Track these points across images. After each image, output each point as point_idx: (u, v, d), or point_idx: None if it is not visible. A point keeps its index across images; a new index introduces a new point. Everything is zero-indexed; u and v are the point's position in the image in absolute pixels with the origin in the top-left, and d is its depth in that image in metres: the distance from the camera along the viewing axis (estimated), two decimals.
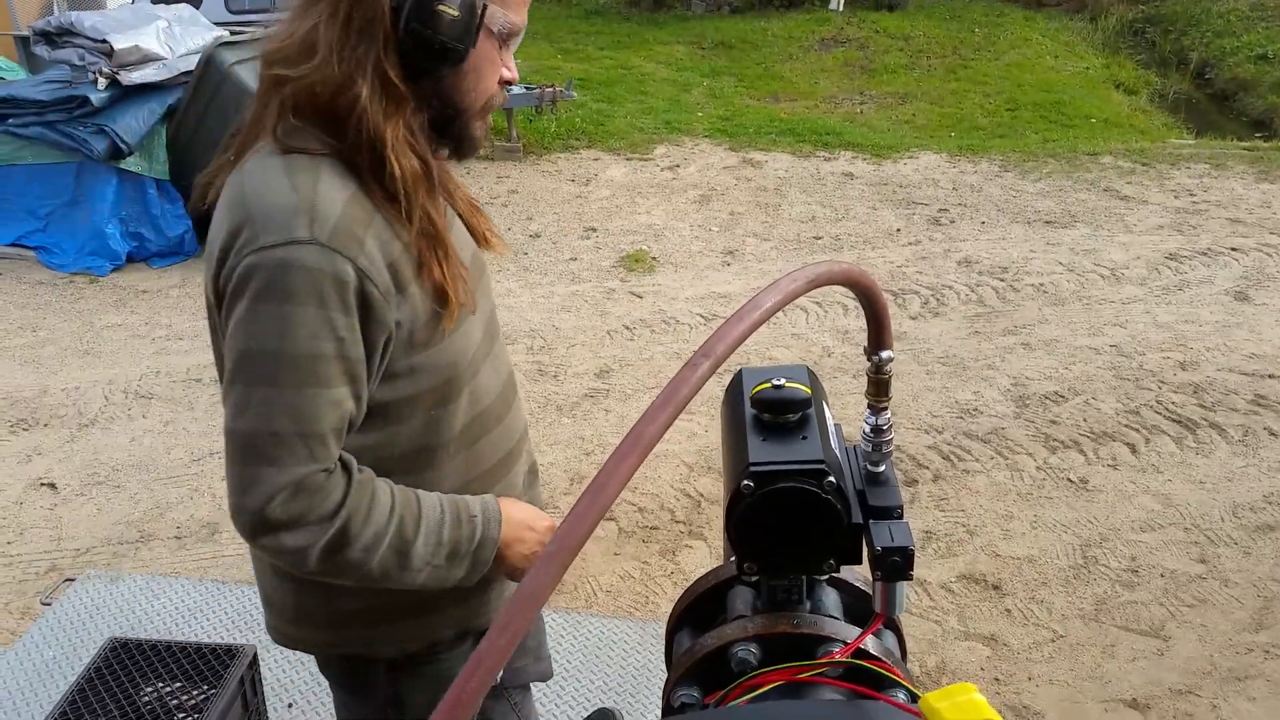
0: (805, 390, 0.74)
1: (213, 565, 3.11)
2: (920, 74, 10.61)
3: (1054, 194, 6.54)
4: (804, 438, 0.72)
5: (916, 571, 2.95)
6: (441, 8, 1.01)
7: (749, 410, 0.74)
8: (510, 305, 5.04)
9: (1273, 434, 3.69)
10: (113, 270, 5.55)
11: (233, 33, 5.89)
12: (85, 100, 5.21)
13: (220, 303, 1.07)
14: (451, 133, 1.15)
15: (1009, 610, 2.86)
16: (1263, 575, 2.96)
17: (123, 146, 5.25)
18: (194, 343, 4.70)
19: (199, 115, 5.41)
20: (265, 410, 1.03)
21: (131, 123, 5.25)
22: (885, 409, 0.75)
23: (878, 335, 0.73)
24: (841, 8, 12.72)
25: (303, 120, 1.06)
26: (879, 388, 0.75)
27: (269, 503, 1.04)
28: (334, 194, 1.04)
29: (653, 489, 3.38)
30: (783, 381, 0.74)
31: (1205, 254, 5.41)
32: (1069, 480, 3.45)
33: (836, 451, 0.74)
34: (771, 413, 0.73)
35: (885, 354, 0.74)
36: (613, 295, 5.12)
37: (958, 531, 3.19)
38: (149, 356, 4.56)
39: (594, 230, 6.12)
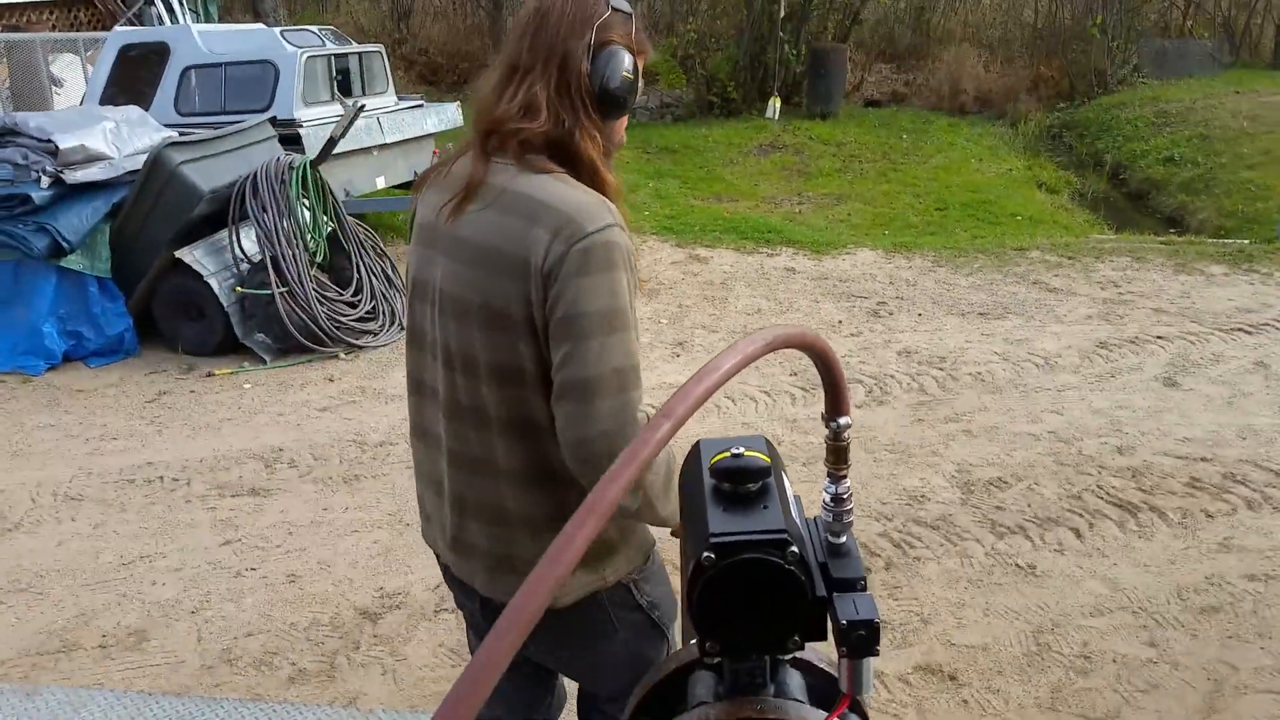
0: (764, 459, 0.74)
1: (139, 676, 2.95)
2: (853, 177, 11.01)
3: (985, 287, 6.75)
4: (765, 507, 0.71)
5: (874, 664, 2.94)
6: (624, 73, 1.41)
7: (708, 480, 0.74)
8: None
9: (1209, 515, 3.76)
10: (48, 369, 5.42)
11: (181, 133, 5.92)
12: (27, 198, 5.15)
13: (545, 283, 1.34)
14: None
15: (966, 701, 2.83)
16: (1211, 657, 2.97)
17: (64, 244, 5.19)
18: (129, 442, 4.57)
19: (145, 213, 5.39)
20: (614, 352, 1.33)
21: (74, 220, 5.20)
22: (845, 477, 0.76)
23: (835, 401, 0.74)
24: (777, 116, 13.23)
25: (535, 154, 1.39)
26: (838, 455, 0.76)
27: (634, 422, 1.33)
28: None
29: None
30: (741, 450, 0.74)
31: (1133, 342, 5.59)
32: (1017, 566, 3.46)
33: (798, 522, 0.74)
34: (731, 482, 0.72)
35: (843, 420, 0.75)
36: None
37: (912, 621, 3.17)
38: (81, 457, 4.42)
39: None
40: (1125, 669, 2.93)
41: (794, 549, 0.68)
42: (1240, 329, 5.75)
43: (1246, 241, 7.79)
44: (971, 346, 5.60)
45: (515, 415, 1.41)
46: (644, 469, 0.53)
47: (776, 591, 0.69)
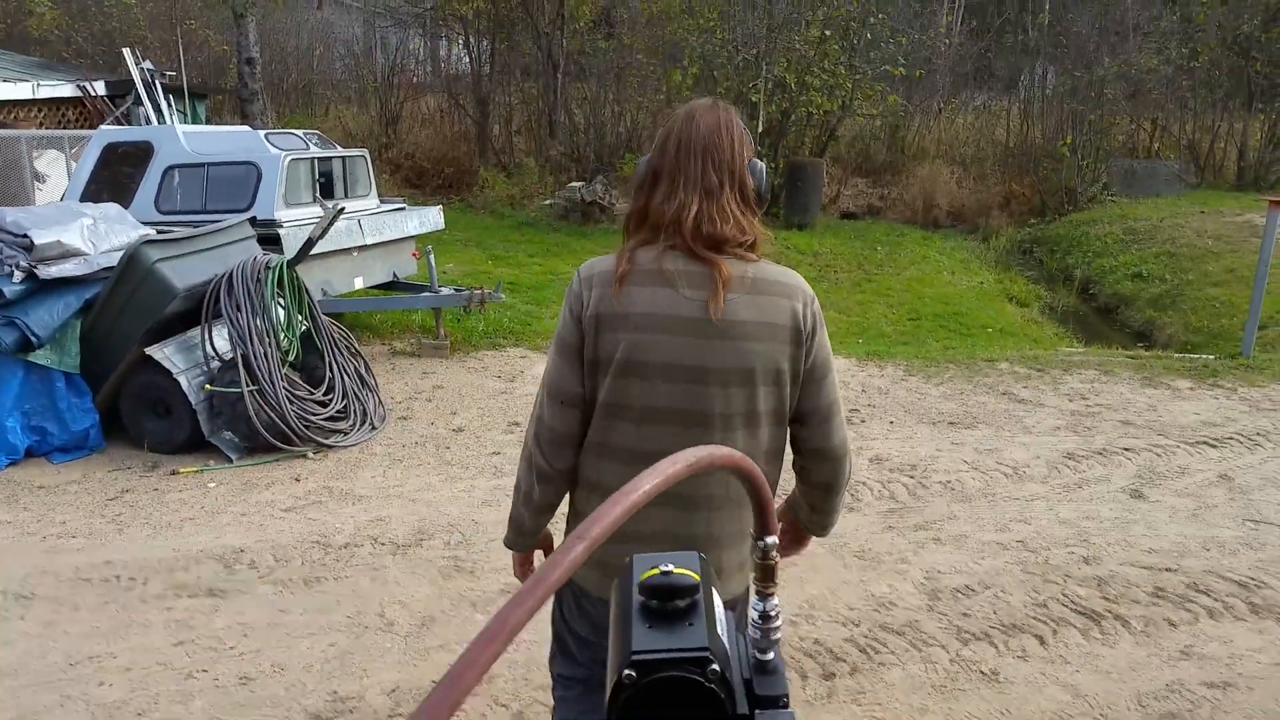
0: (694, 576, 0.74)
1: None
2: (829, 286, 11.24)
3: (956, 397, 6.83)
4: (690, 624, 0.71)
5: None
6: (768, 178, 1.87)
7: (636, 596, 0.74)
8: (429, 499, 4.96)
9: (1172, 624, 3.76)
10: (9, 465, 5.33)
11: (160, 232, 5.98)
12: None
13: (807, 339, 1.78)
14: None
15: None
16: None
17: (33, 339, 5.17)
18: (88, 540, 4.48)
19: (118, 309, 5.39)
20: (836, 381, 1.86)
21: (44, 315, 5.19)
22: (772, 595, 0.77)
23: (762, 521, 0.75)
24: None
25: (743, 248, 1.77)
26: (765, 573, 0.76)
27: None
28: None
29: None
30: (670, 567, 0.74)
31: (1101, 454, 5.64)
32: (981, 672, 3.43)
33: (724, 639, 0.74)
34: (658, 599, 0.72)
35: (770, 540, 0.76)
36: None
37: None
38: (37, 555, 4.31)
39: (518, 424, 6.14)
40: None
41: (715, 667, 0.68)
42: (1205, 442, 5.83)
43: (1212, 357, 7.95)
44: (942, 455, 5.63)
45: (779, 445, 1.85)
46: (550, 593, 0.54)
47: (697, 709, 0.69)
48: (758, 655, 0.76)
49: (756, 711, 0.71)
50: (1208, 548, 4.44)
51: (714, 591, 0.80)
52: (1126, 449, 5.71)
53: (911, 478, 5.28)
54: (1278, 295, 9.56)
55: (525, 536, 1.98)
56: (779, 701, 0.72)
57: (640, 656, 0.68)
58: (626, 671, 0.68)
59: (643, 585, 0.75)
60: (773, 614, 0.76)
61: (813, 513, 2.00)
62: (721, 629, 0.76)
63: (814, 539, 2.14)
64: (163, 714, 3.17)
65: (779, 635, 0.76)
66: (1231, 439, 5.89)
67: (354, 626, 3.72)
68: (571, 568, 0.56)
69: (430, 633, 3.67)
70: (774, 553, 0.78)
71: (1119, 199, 15.68)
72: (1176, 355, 8.24)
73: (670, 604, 0.74)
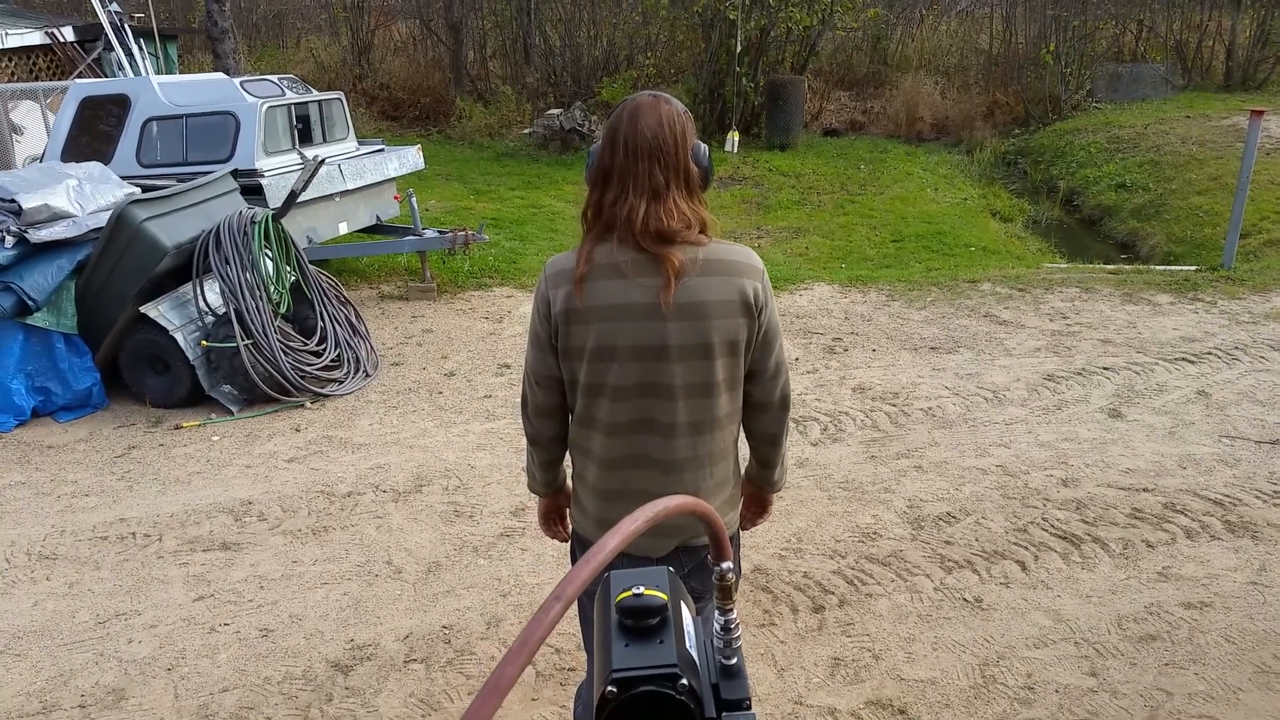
0: (662, 597, 0.86)
1: None
2: (811, 209, 11.22)
3: (938, 321, 6.92)
4: (661, 641, 0.83)
5: (827, 700, 3.05)
6: (708, 157, 1.99)
7: (613, 615, 0.86)
8: (425, 445, 5.10)
9: (1149, 545, 3.91)
10: (17, 426, 5.46)
11: (145, 188, 5.99)
12: None
13: (759, 313, 1.95)
14: None
15: None
16: (1148, 685, 3.11)
17: (30, 303, 5.24)
18: (101, 499, 4.62)
19: (109, 270, 5.45)
20: (783, 344, 2.07)
21: (39, 279, 5.26)
22: (731, 610, 0.89)
23: (717, 549, 0.87)
24: (736, 149, 13.47)
25: (699, 233, 1.93)
26: (724, 593, 0.89)
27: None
28: None
29: (568, 628, 3.41)
30: (641, 590, 0.86)
31: (1080, 374, 5.77)
32: (965, 600, 3.59)
33: (692, 651, 0.86)
34: (633, 618, 0.84)
35: (725, 565, 0.88)
36: None
37: (864, 657, 3.29)
38: (53, 515, 4.47)
39: (508, 367, 6.25)
40: (1067, 698, 3.05)
41: (684, 681, 0.80)
42: (1184, 358, 5.93)
43: (1193, 269, 8.02)
44: (923, 381, 5.76)
45: (735, 408, 2.03)
46: (534, 651, 0.65)
47: (671, 716, 0.81)
48: (723, 661, 0.88)
49: (723, 714, 0.83)
50: (1184, 466, 4.57)
51: (682, 604, 0.92)
52: (1106, 368, 5.82)
53: (894, 406, 5.41)
54: (1261, 204, 9.60)
55: (540, 486, 2.29)
56: (742, 704, 0.84)
57: (619, 674, 0.80)
58: (609, 688, 0.80)
59: (619, 606, 0.87)
60: (733, 626, 0.89)
61: (761, 468, 2.23)
62: (690, 640, 0.88)
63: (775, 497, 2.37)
64: (191, 668, 3.35)
65: (739, 644, 0.89)
66: (1210, 354, 5.99)
67: (364, 575, 3.89)
68: (552, 625, 0.67)
69: (437, 579, 3.85)
70: (729, 575, 0.90)
71: (1104, 105, 15.55)
72: (1158, 269, 8.30)
73: (643, 623, 0.85)
